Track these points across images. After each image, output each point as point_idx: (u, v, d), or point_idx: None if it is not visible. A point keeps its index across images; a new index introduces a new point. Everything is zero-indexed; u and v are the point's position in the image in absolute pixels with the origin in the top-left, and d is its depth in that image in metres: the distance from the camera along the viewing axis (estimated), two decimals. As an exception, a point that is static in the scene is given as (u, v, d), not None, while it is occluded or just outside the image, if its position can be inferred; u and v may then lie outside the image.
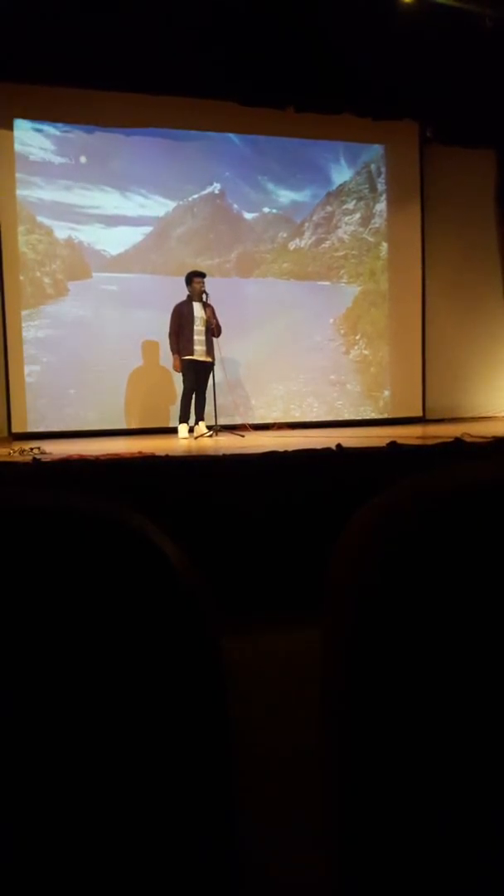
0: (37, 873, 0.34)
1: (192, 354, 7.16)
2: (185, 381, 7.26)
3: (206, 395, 7.24)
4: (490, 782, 0.35)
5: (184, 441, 6.94)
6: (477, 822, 0.35)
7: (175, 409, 7.74)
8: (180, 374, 7.29)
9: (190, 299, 7.26)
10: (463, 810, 0.36)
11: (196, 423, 7.29)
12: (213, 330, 7.15)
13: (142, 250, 8.47)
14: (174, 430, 7.49)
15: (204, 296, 7.18)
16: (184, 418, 7.31)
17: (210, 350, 7.22)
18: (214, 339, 7.22)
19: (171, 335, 7.24)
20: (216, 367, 7.25)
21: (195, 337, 7.15)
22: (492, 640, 0.35)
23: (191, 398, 7.26)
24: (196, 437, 7.04)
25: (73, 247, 8.19)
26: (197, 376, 7.19)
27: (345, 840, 0.40)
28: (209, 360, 7.21)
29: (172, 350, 7.25)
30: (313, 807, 0.47)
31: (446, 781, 0.36)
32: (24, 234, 7.92)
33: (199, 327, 7.17)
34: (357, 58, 7.25)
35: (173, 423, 7.72)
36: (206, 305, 7.20)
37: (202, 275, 7.36)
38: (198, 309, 7.20)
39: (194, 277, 7.31)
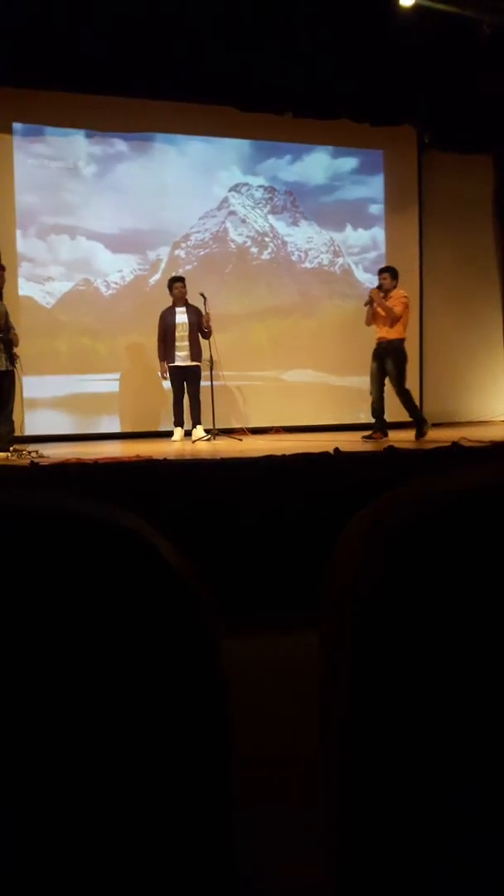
0: (34, 874, 0.34)
1: (174, 361, 7.13)
2: (172, 388, 7.24)
3: (201, 399, 7.20)
4: (494, 783, 0.35)
5: (176, 444, 6.93)
6: (479, 823, 0.35)
7: (169, 412, 7.72)
8: (171, 380, 7.28)
9: (173, 305, 7.23)
10: (465, 812, 0.36)
11: (193, 426, 7.26)
12: (202, 332, 7.10)
13: (139, 254, 8.47)
14: (169, 434, 7.47)
15: (188, 300, 7.15)
16: (177, 422, 7.29)
17: (196, 354, 7.16)
18: (206, 341, 7.14)
19: (158, 342, 7.22)
20: (213, 370, 7.22)
21: (177, 343, 7.11)
22: (493, 645, 0.36)
23: (181, 403, 7.23)
24: (194, 441, 7.01)
25: (70, 250, 8.19)
26: (182, 382, 7.16)
27: (345, 843, 0.40)
28: (194, 364, 7.16)
29: (159, 357, 7.23)
30: (313, 808, 0.47)
31: (447, 783, 0.36)
32: (21, 236, 7.92)
33: (180, 333, 7.12)
34: (355, 63, 7.26)
35: (167, 426, 7.69)
36: (190, 309, 7.16)
37: (181, 279, 7.32)
38: (180, 314, 7.16)
39: (174, 283, 7.28)
